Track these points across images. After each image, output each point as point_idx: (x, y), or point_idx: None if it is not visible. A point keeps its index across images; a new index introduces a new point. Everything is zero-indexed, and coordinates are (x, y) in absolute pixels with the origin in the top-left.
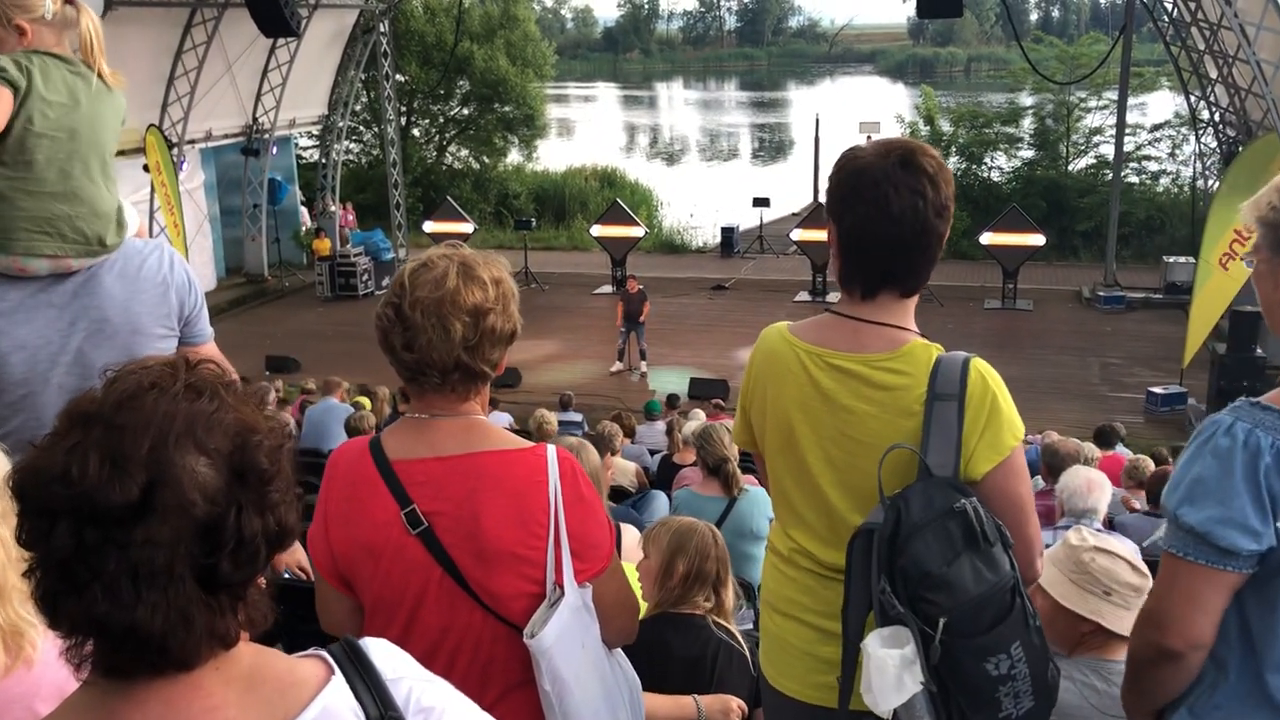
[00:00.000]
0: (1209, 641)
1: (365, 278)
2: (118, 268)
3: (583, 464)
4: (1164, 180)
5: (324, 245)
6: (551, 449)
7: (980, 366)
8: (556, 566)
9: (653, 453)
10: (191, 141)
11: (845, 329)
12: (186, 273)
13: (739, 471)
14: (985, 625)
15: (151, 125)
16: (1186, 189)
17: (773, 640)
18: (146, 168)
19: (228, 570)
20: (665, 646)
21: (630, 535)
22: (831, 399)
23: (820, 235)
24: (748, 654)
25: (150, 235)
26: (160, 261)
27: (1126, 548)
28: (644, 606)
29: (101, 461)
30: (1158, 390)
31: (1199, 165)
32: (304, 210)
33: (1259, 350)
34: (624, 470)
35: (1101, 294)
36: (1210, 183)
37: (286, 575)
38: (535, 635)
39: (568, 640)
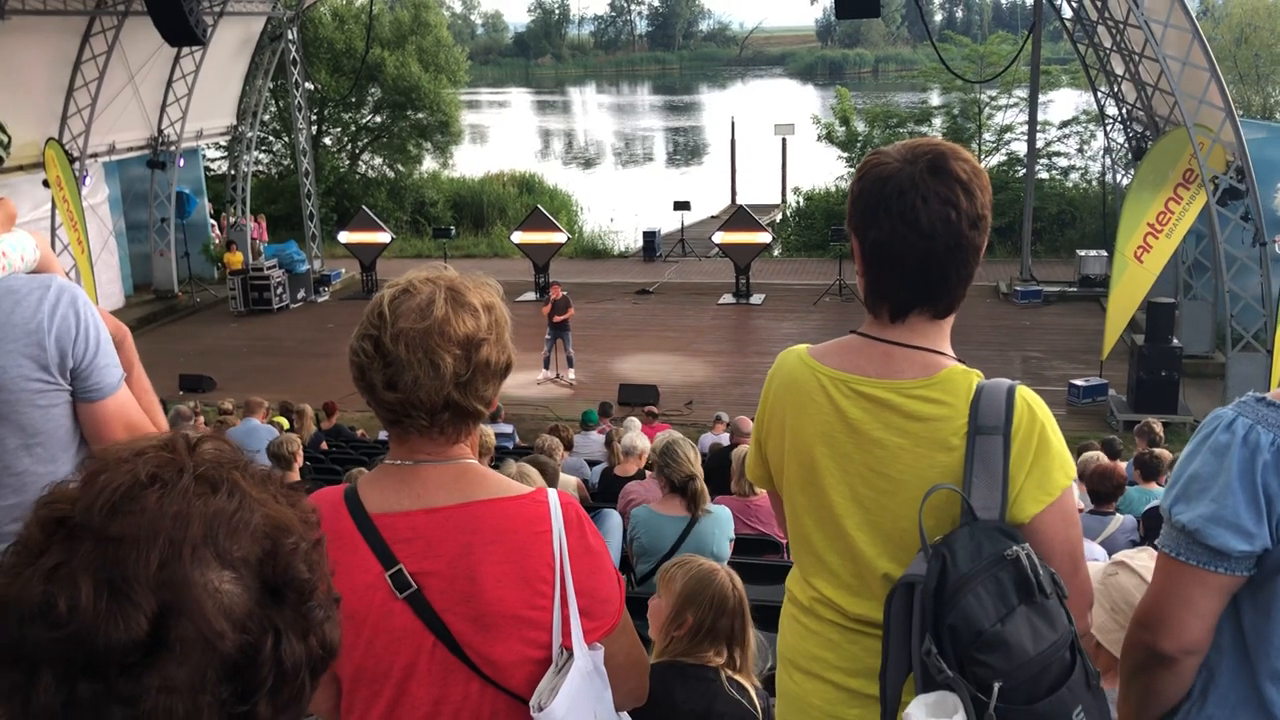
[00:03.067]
0: (1203, 646)
1: (280, 291)
2: None
3: None
4: (1074, 175)
5: (236, 259)
6: (553, 494)
7: (1026, 395)
8: (564, 627)
9: (591, 464)
10: (94, 155)
11: (874, 353)
12: (78, 316)
13: (705, 489)
14: (1045, 689)
15: (51, 139)
16: (1096, 183)
17: (791, 701)
18: (47, 183)
19: (267, 715)
20: (669, 698)
21: None
22: (859, 431)
23: (742, 237)
24: (760, 714)
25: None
26: (40, 304)
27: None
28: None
29: (97, 588)
30: (1079, 382)
31: (1108, 160)
32: (213, 223)
33: (1175, 341)
34: (565, 485)
35: (1019, 288)
36: (1119, 177)
37: None
38: (544, 707)
39: (580, 710)
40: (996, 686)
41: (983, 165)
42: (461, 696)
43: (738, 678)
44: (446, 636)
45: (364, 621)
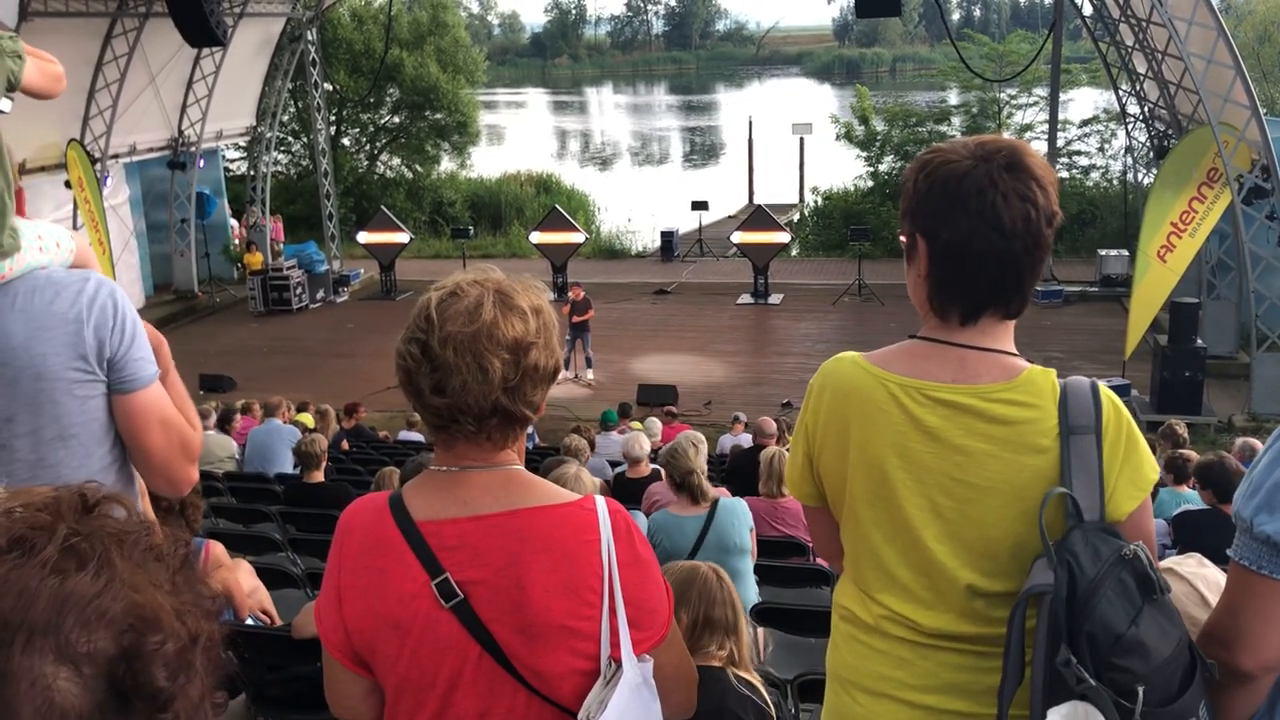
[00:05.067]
0: None
1: (299, 291)
2: (19, 301)
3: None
4: (1094, 174)
5: (256, 259)
6: (601, 502)
7: (1108, 392)
8: (612, 639)
9: (613, 464)
10: (115, 156)
11: (947, 357)
12: (116, 307)
13: (705, 484)
14: (1177, 689)
15: (73, 140)
16: (1117, 182)
17: None
18: (68, 183)
19: None
20: None
21: None
22: (939, 438)
23: (760, 237)
24: (771, 708)
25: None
26: (79, 294)
27: (1212, 577)
28: None
29: None
30: (1101, 383)
31: (1129, 159)
32: (234, 224)
33: (1199, 341)
34: (590, 486)
35: (1039, 288)
36: (1141, 176)
37: (250, 621)
38: None
39: None
40: (1141, 691)
41: None
42: (508, 708)
43: (743, 674)
44: (493, 647)
45: (408, 631)
